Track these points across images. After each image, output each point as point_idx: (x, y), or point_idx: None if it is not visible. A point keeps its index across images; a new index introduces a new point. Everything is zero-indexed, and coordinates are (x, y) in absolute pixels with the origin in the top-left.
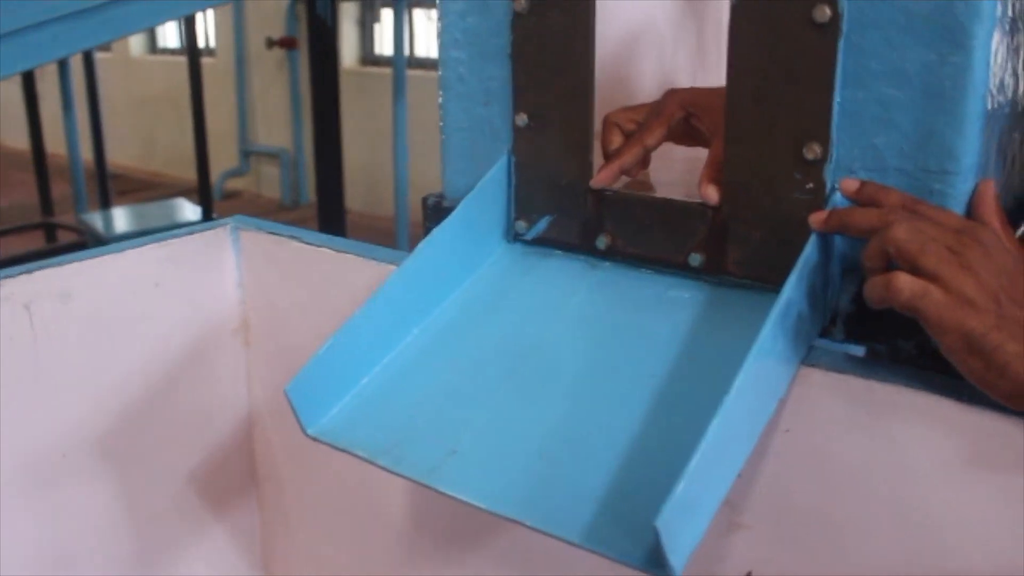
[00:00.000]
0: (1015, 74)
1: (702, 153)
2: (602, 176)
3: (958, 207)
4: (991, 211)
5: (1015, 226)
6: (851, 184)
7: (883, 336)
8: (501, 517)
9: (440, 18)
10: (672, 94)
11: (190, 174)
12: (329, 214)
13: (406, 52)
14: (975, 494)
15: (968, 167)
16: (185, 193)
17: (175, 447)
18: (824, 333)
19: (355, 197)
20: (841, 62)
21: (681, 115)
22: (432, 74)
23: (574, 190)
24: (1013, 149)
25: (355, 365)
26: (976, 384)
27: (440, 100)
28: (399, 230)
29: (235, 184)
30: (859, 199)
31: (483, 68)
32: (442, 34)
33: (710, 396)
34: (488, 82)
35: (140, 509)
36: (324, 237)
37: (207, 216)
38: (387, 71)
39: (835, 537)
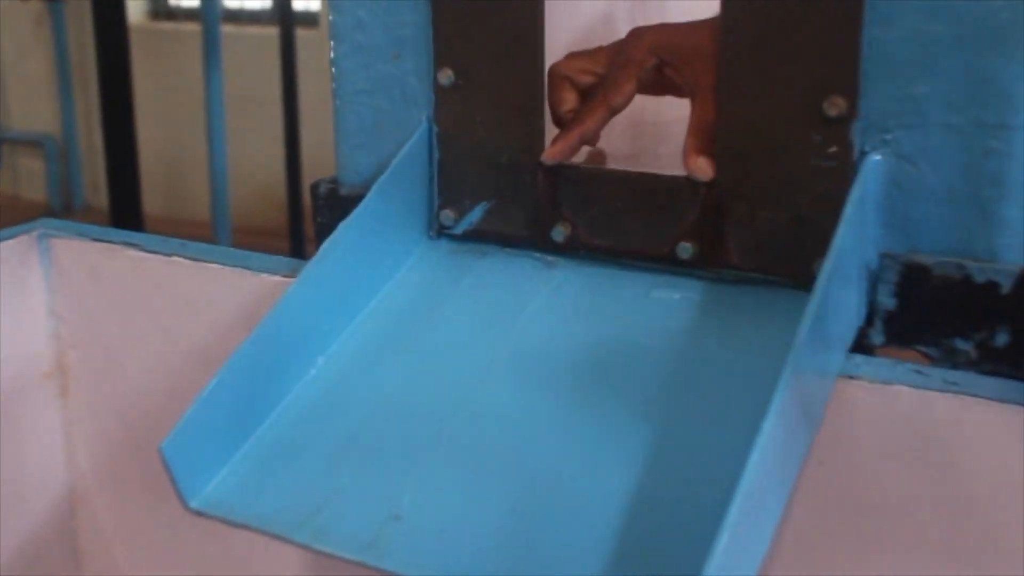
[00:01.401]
0: None
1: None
2: (558, 148)
3: (1019, 168)
4: None
5: None
6: None
7: (935, 336)
8: None
9: None
10: (638, 35)
11: None
12: (124, 218)
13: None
14: None
15: None
16: None
17: None
18: (860, 337)
19: (152, 195)
20: None
21: (652, 62)
22: (247, 30)
23: (519, 168)
24: None
25: (246, 412)
26: None
27: (331, 55)
28: (219, 236)
29: None
30: None
31: (390, 10)
32: None
33: (730, 426)
34: (397, 29)
35: None
36: (175, 242)
37: None
38: (188, 28)
39: None
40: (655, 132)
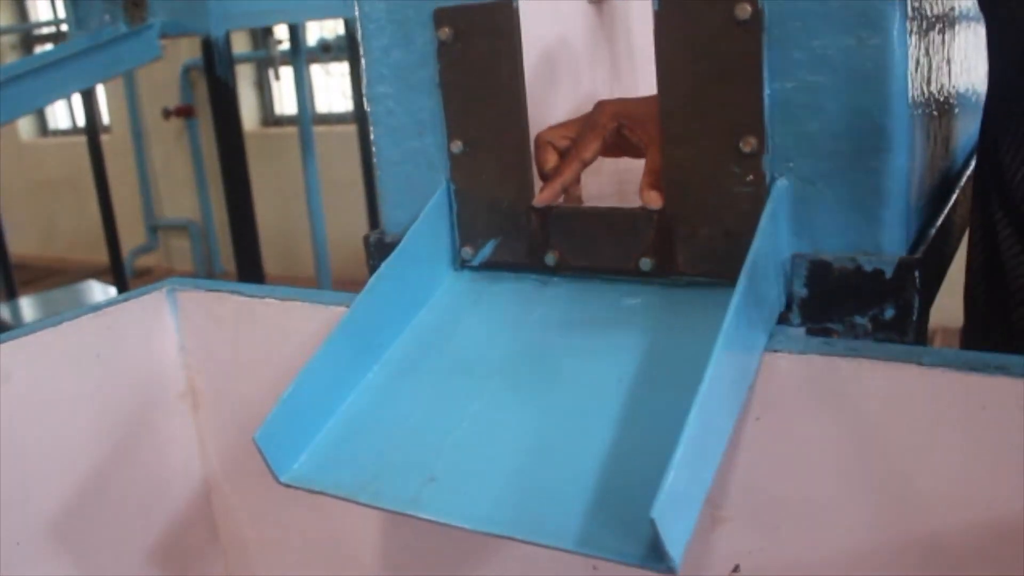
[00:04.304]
0: (930, 60)
1: (623, 165)
2: (545, 195)
3: (895, 182)
4: None
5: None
6: None
7: (839, 316)
8: (491, 536)
9: (364, 55)
10: (603, 106)
11: (95, 256)
12: (249, 279)
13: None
14: (943, 452)
15: (899, 144)
16: (93, 275)
17: (132, 522)
18: (782, 320)
19: (271, 260)
20: (767, 55)
21: (614, 126)
22: (335, 129)
23: (516, 211)
24: (935, 128)
25: (319, 408)
26: None
27: (372, 136)
28: (322, 287)
29: (145, 261)
30: None
31: (412, 100)
32: (368, 71)
33: (682, 393)
34: (419, 113)
35: None
36: (267, 288)
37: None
38: (290, 131)
39: (815, 520)
40: (622, 178)
